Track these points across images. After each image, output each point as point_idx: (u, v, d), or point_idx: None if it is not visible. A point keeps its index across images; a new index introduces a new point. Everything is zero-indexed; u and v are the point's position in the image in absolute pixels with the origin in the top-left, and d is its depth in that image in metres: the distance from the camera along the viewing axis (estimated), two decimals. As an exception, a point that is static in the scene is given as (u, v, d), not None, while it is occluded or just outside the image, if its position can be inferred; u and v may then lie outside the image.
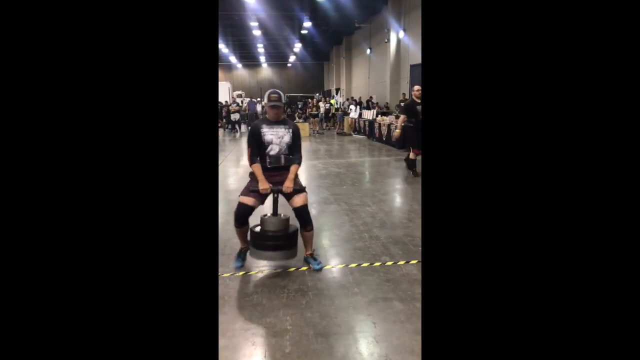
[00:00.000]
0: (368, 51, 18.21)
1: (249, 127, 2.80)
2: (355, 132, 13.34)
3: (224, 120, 15.11)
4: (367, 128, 12.14)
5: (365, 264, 2.90)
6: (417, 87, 5.76)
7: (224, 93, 18.44)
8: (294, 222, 2.76)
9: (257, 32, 16.83)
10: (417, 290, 2.49)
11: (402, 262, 2.92)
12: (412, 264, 2.88)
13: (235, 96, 19.89)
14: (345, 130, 13.87)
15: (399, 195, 5.21)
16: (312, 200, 4.25)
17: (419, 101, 5.51)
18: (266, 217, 2.70)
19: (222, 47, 20.18)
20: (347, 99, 17.51)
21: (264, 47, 22.21)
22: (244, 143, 11.63)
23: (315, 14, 14.86)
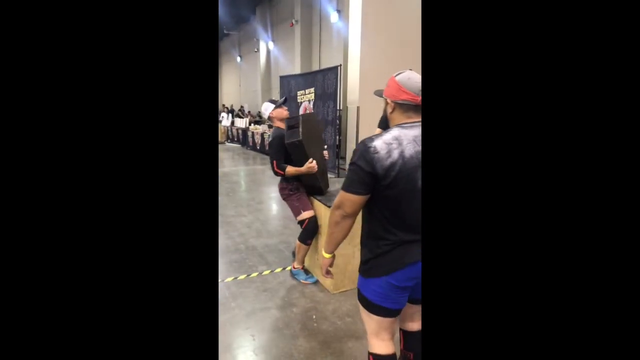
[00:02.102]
0: (238, 59, 18.10)
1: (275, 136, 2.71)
2: (229, 141, 13.07)
3: None
4: (240, 136, 12.01)
5: (242, 276, 2.85)
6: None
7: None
8: None
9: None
10: (294, 295, 2.55)
11: (279, 270, 2.96)
12: (289, 270, 2.94)
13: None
14: (219, 138, 13.48)
15: (275, 203, 5.28)
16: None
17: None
18: None
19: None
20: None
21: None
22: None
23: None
